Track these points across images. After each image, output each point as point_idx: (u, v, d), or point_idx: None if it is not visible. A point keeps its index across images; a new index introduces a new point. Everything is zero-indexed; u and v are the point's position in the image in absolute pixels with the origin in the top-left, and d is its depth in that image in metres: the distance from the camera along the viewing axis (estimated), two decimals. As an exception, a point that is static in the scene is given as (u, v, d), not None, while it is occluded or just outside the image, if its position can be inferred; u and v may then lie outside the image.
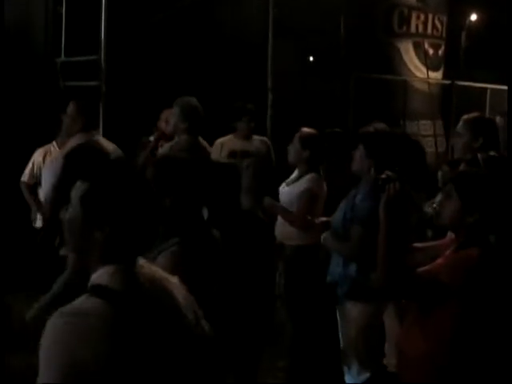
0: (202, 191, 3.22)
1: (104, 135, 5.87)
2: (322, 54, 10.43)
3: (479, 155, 3.84)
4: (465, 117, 4.53)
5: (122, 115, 7.34)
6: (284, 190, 5.11)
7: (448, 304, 2.99)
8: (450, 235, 3.51)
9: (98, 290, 1.91)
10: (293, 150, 5.10)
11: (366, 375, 4.15)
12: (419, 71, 11.40)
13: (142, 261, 2.05)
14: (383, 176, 3.26)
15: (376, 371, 4.23)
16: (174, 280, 2.13)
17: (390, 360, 4.72)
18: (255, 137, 6.39)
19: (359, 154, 4.08)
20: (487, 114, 10.89)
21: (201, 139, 5.30)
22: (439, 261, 3.09)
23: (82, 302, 1.90)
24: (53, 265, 4.39)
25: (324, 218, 4.36)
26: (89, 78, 7.32)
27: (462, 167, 3.83)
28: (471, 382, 3.05)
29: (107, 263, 1.96)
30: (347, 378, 4.23)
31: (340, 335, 4.22)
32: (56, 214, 4.52)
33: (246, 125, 6.29)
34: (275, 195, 5.06)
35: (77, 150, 4.05)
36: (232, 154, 6.26)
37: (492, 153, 4.01)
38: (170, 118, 5.84)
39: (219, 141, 6.36)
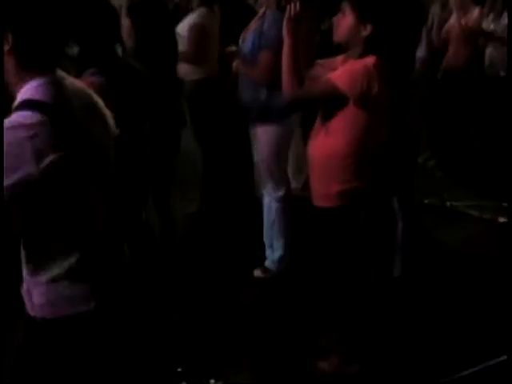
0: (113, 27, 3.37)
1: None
2: None
3: None
4: None
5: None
6: (179, 26, 5.21)
7: (347, 108, 3.28)
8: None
9: (28, 104, 1.93)
10: None
11: (280, 192, 4.50)
12: None
13: (62, 73, 2.08)
14: None
15: (287, 190, 4.60)
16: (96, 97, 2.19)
17: (293, 185, 5.10)
18: None
19: None
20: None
21: None
22: (339, 70, 3.34)
23: (17, 116, 1.92)
24: None
25: (233, 48, 4.54)
26: None
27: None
28: (371, 178, 3.42)
29: (27, 75, 1.98)
30: (265, 199, 4.58)
31: (255, 157, 4.51)
32: None
33: None
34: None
35: None
36: None
37: None
38: None
39: None
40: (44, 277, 2.06)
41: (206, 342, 3.93)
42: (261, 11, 4.63)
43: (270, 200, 4.53)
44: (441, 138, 6.56)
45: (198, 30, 5.05)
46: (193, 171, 5.54)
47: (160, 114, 4.09)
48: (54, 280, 2.05)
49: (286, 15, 3.33)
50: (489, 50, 5.84)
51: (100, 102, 2.19)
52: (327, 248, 3.54)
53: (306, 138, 4.64)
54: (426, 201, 5.83)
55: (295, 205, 4.67)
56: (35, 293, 2.09)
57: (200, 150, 5.41)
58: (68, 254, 2.05)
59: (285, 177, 4.59)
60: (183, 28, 5.04)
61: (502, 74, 5.72)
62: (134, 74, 3.51)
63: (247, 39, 4.37)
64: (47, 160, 1.90)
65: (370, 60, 3.28)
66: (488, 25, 5.74)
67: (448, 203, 5.86)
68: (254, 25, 4.52)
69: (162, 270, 4.20)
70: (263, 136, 4.38)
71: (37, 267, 2.07)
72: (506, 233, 4.96)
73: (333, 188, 3.38)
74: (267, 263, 4.64)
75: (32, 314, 2.11)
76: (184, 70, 5.00)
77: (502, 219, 5.45)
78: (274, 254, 4.61)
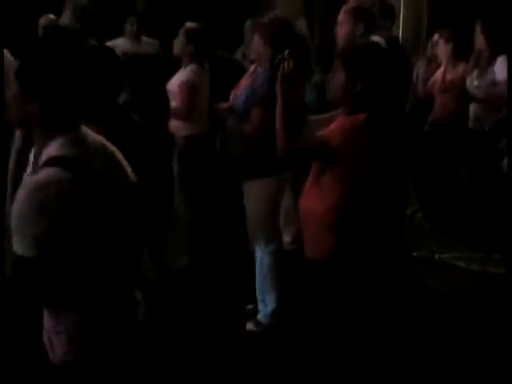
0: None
1: None
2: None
3: (377, 37, 4.21)
4: (345, 7, 4.92)
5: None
6: (170, 82, 5.31)
7: (338, 164, 3.35)
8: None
9: (54, 161, 2.07)
10: (178, 44, 5.34)
11: (272, 246, 4.54)
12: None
13: (85, 129, 2.22)
14: (279, 56, 3.51)
15: (279, 244, 4.65)
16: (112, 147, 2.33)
17: (285, 238, 5.15)
18: (144, 38, 6.48)
19: (257, 43, 4.33)
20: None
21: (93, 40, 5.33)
22: (331, 126, 3.43)
23: (43, 175, 2.05)
24: None
25: (226, 104, 4.63)
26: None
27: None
28: (362, 235, 3.48)
29: (53, 135, 2.12)
30: (257, 253, 4.60)
31: (246, 212, 4.57)
32: None
33: (131, 26, 6.37)
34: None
35: None
36: (124, 55, 6.31)
37: (376, 37, 4.42)
38: None
39: (110, 44, 6.39)
40: (65, 327, 2.16)
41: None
42: (251, 68, 4.75)
43: (262, 254, 4.56)
44: (428, 190, 6.66)
45: (188, 87, 5.14)
46: (184, 225, 5.56)
47: (154, 168, 4.16)
48: (74, 330, 2.16)
49: (280, 73, 3.42)
50: (473, 105, 5.96)
51: (118, 154, 2.31)
52: (318, 301, 3.58)
53: (295, 191, 4.76)
54: (414, 253, 5.89)
55: (286, 258, 4.71)
56: (57, 342, 2.19)
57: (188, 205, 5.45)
58: (88, 305, 2.16)
59: (277, 231, 4.65)
60: (174, 84, 5.13)
61: (487, 128, 5.84)
62: (133, 127, 3.60)
63: (239, 96, 4.46)
64: (74, 213, 2.02)
65: (360, 117, 3.37)
66: (472, 81, 5.88)
67: (437, 256, 5.92)
68: (245, 81, 4.63)
69: (156, 321, 4.21)
70: (255, 191, 4.44)
71: (58, 320, 2.17)
72: (494, 284, 5.03)
73: (325, 242, 3.42)
74: (259, 317, 4.66)
75: (53, 360, 2.22)
76: (175, 125, 5.09)
77: (491, 269, 5.51)
78: (266, 307, 4.62)
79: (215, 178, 5.22)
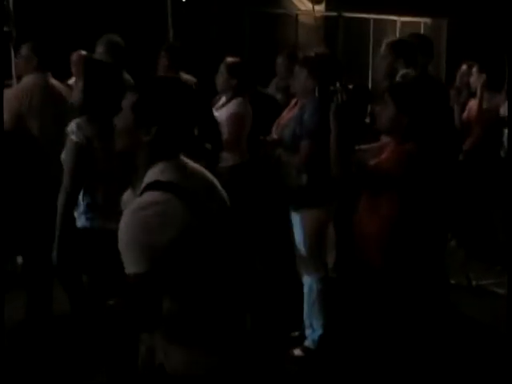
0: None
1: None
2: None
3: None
4: (386, 41, 5.06)
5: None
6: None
7: (391, 191, 3.53)
8: (385, 138, 4.04)
9: (156, 185, 2.22)
10: (221, 79, 5.46)
11: (321, 273, 4.66)
12: (302, 4, 11.84)
13: (184, 158, 2.38)
14: (331, 88, 3.68)
15: (326, 271, 4.75)
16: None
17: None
18: (183, 75, 6.59)
19: (303, 76, 4.47)
20: (371, 44, 11.72)
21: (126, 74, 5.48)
22: (383, 156, 3.61)
23: (146, 197, 2.20)
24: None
25: (275, 136, 4.77)
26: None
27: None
28: (410, 258, 3.64)
29: (155, 162, 2.28)
30: (306, 281, 4.70)
31: (296, 241, 4.68)
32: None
33: (162, 60, 6.49)
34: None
35: None
36: None
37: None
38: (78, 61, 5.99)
39: None
40: (183, 345, 2.29)
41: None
42: (293, 101, 4.90)
43: (311, 282, 4.66)
44: (461, 216, 6.74)
45: (238, 118, 5.26)
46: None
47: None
48: (191, 349, 2.28)
49: (334, 104, 3.58)
50: (506, 134, 6.09)
51: (216, 182, 2.46)
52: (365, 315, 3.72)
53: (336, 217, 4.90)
54: (452, 281, 5.96)
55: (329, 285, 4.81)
56: (173, 358, 2.31)
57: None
58: (202, 322, 2.27)
59: (324, 258, 4.75)
60: (221, 117, 5.25)
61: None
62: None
63: (286, 128, 4.60)
64: (175, 233, 2.14)
65: (410, 146, 3.54)
66: (505, 110, 6.01)
67: (474, 282, 5.99)
68: (288, 114, 4.78)
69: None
70: (305, 220, 4.54)
71: (175, 336, 2.29)
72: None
73: (376, 259, 3.63)
74: (307, 343, 4.75)
75: (169, 371, 2.33)
76: (222, 157, 5.20)
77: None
78: (314, 333, 4.71)
79: (259, 207, 5.31)
